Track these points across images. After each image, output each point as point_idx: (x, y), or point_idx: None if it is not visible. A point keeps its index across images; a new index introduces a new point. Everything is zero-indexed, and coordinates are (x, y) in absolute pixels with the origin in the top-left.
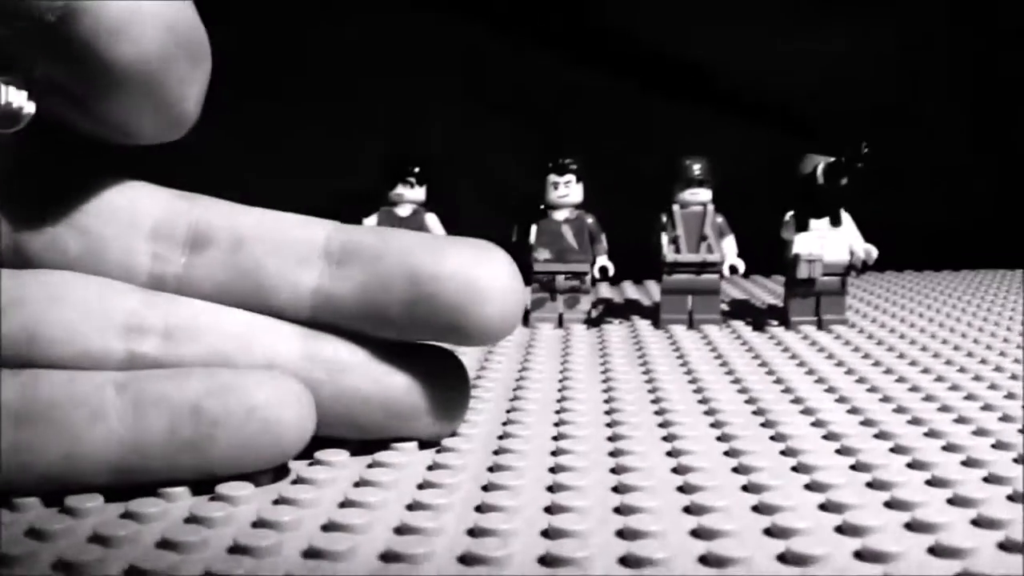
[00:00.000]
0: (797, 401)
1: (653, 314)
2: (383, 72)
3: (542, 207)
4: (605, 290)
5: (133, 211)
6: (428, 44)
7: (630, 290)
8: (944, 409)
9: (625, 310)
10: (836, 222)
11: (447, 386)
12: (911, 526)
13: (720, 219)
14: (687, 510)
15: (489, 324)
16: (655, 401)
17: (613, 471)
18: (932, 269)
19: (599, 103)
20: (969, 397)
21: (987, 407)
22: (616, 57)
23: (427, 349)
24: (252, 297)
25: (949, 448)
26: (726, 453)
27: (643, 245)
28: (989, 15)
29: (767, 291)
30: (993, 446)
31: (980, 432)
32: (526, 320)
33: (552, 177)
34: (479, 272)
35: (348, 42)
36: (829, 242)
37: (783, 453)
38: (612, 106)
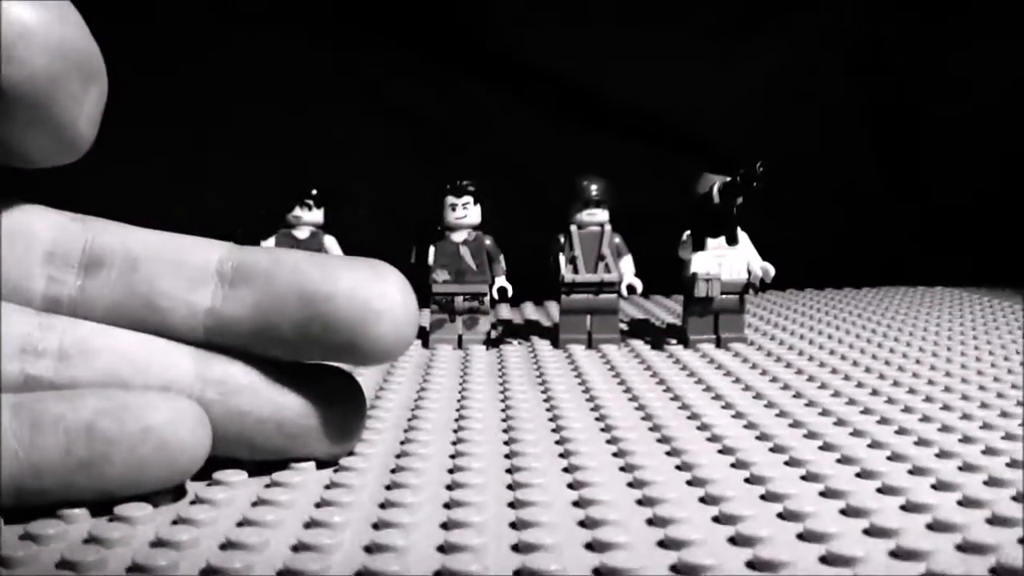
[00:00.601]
0: (694, 417)
1: (552, 334)
2: (281, 96)
3: (440, 228)
4: (504, 311)
5: (27, 234)
6: (327, 67)
7: (529, 310)
8: (840, 423)
9: (524, 330)
10: (732, 241)
11: (343, 406)
12: (803, 536)
13: (617, 239)
14: (582, 524)
15: (383, 343)
16: (553, 419)
17: (510, 487)
18: (833, 287)
19: (498, 124)
20: (866, 411)
21: (883, 420)
22: (513, 78)
23: (322, 369)
24: (146, 318)
25: (844, 461)
26: (622, 468)
27: (542, 265)
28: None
29: (666, 310)
30: (889, 458)
31: (875, 445)
32: (425, 342)
33: (450, 199)
34: (372, 291)
35: (248, 66)
36: (727, 261)
37: (679, 468)
38: (511, 127)
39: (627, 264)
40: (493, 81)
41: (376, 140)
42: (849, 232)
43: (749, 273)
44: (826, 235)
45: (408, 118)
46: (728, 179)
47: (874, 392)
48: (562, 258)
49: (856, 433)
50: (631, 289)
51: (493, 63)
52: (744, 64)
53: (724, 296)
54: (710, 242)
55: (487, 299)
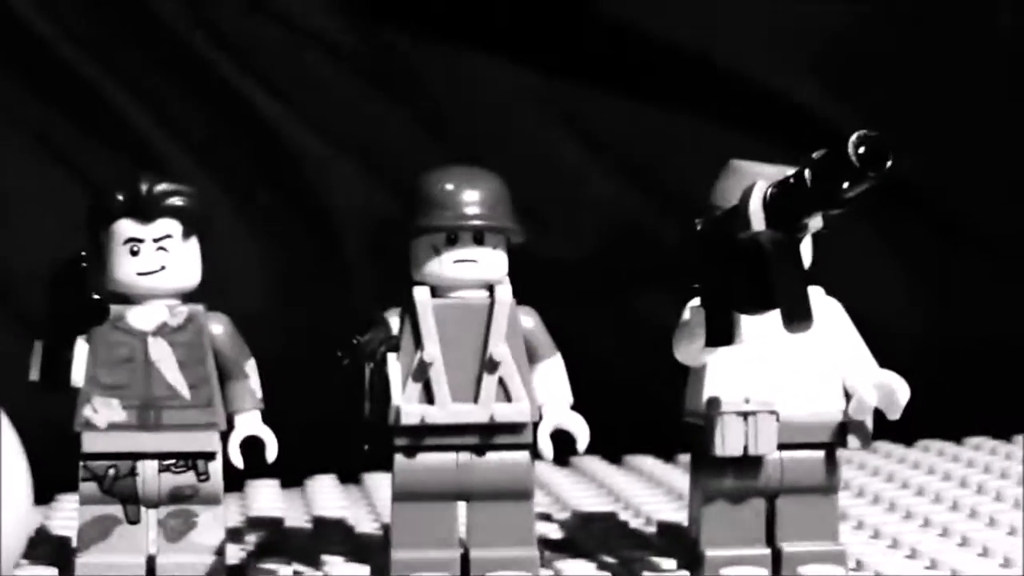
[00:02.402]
0: None
1: (377, 551)
2: None
3: (95, 301)
4: (260, 495)
5: None
6: None
7: (321, 494)
8: None
9: (302, 546)
10: (800, 318)
11: None
12: None
13: (530, 320)
14: None
15: None
16: None
17: None
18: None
19: None
20: None
21: None
22: None
23: None
24: None
25: None
26: None
27: (352, 386)
28: None
29: (651, 489)
30: None
31: None
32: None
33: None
34: None
35: None
36: (789, 370)
37: None
38: None
39: (552, 379)
40: None
41: None
42: None
43: (847, 399)
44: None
45: None
46: (830, 151)
47: None
48: (393, 368)
49: None
50: (563, 443)
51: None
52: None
53: (788, 456)
54: (745, 323)
55: (213, 468)
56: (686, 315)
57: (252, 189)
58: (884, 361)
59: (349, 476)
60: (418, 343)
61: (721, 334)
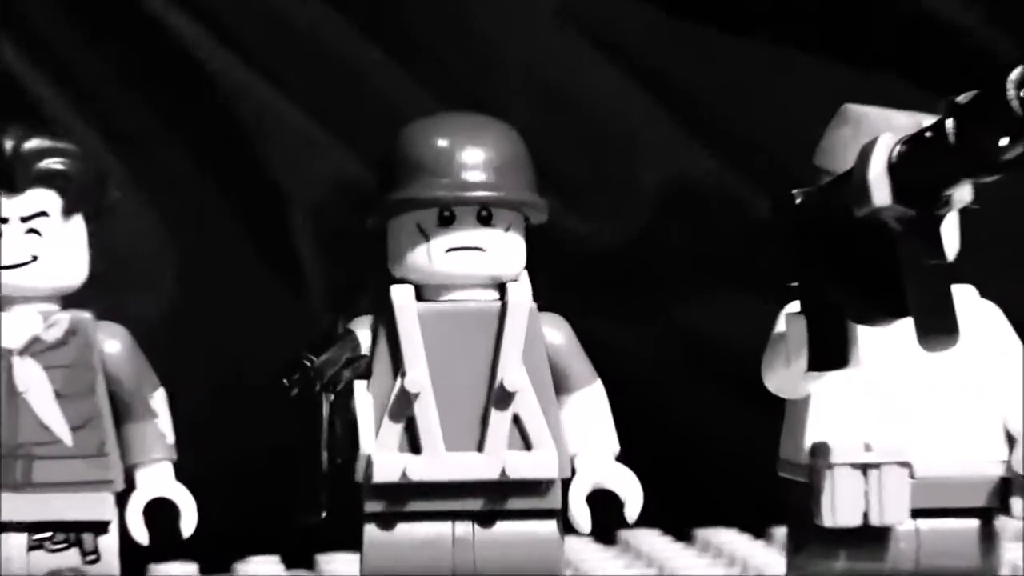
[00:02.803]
0: None
1: None
2: None
3: None
4: None
5: None
6: None
7: None
8: None
9: None
10: (945, 332)
11: None
12: None
13: (559, 334)
14: None
15: None
16: None
17: None
18: None
19: None
20: None
21: None
22: None
23: None
24: None
25: None
26: None
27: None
28: None
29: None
30: None
31: None
32: None
33: None
34: None
35: None
36: (930, 405)
37: None
38: None
39: (590, 416)
40: None
41: None
42: None
43: (1010, 447)
44: None
45: None
46: (982, 93)
47: None
48: (362, 402)
49: None
50: (606, 509)
51: None
52: None
53: (926, 527)
54: (865, 338)
55: (106, 545)
56: (780, 326)
57: (163, 150)
58: None
59: (298, 558)
60: (398, 366)
61: (830, 353)
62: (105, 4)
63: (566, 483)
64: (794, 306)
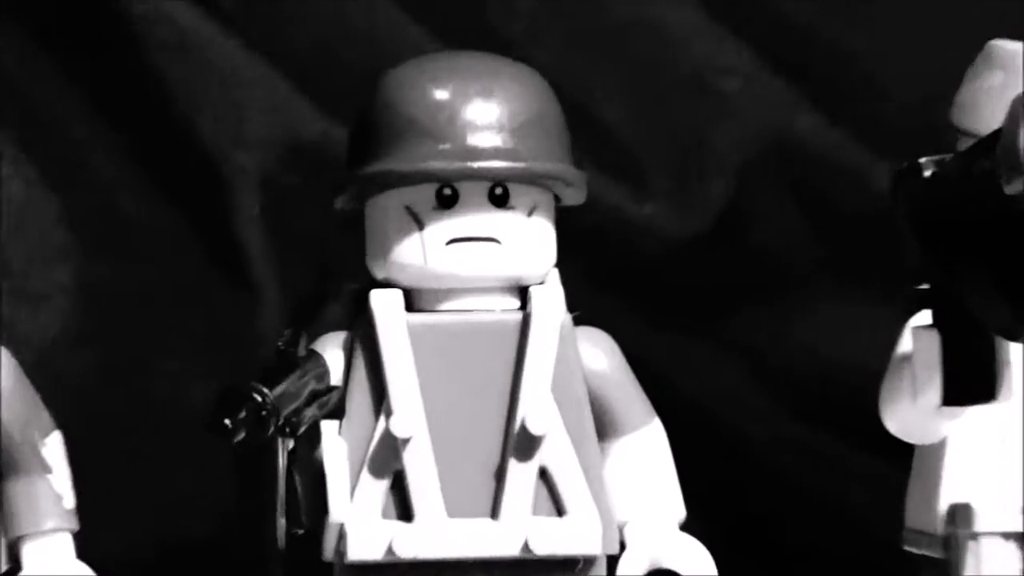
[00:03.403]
0: None
1: None
2: None
3: None
4: None
5: None
6: None
7: None
8: None
9: None
10: None
11: None
12: None
13: (603, 358)
14: None
15: None
16: None
17: None
18: None
19: None
20: None
21: None
22: None
23: None
24: None
25: None
26: None
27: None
28: None
29: None
30: None
31: None
32: None
33: None
34: None
35: None
36: None
37: None
38: None
39: (645, 470)
40: None
41: None
42: None
43: None
44: None
45: None
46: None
47: None
48: (332, 450)
49: None
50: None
51: None
52: None
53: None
54: (1018, 361)
55: None
56: (905, 345)
57: (64, 112)
58: None
59: None
60: (381, 401)
61: (972, 382)
62: None
63: (613, 561)
64: (923, 317)
